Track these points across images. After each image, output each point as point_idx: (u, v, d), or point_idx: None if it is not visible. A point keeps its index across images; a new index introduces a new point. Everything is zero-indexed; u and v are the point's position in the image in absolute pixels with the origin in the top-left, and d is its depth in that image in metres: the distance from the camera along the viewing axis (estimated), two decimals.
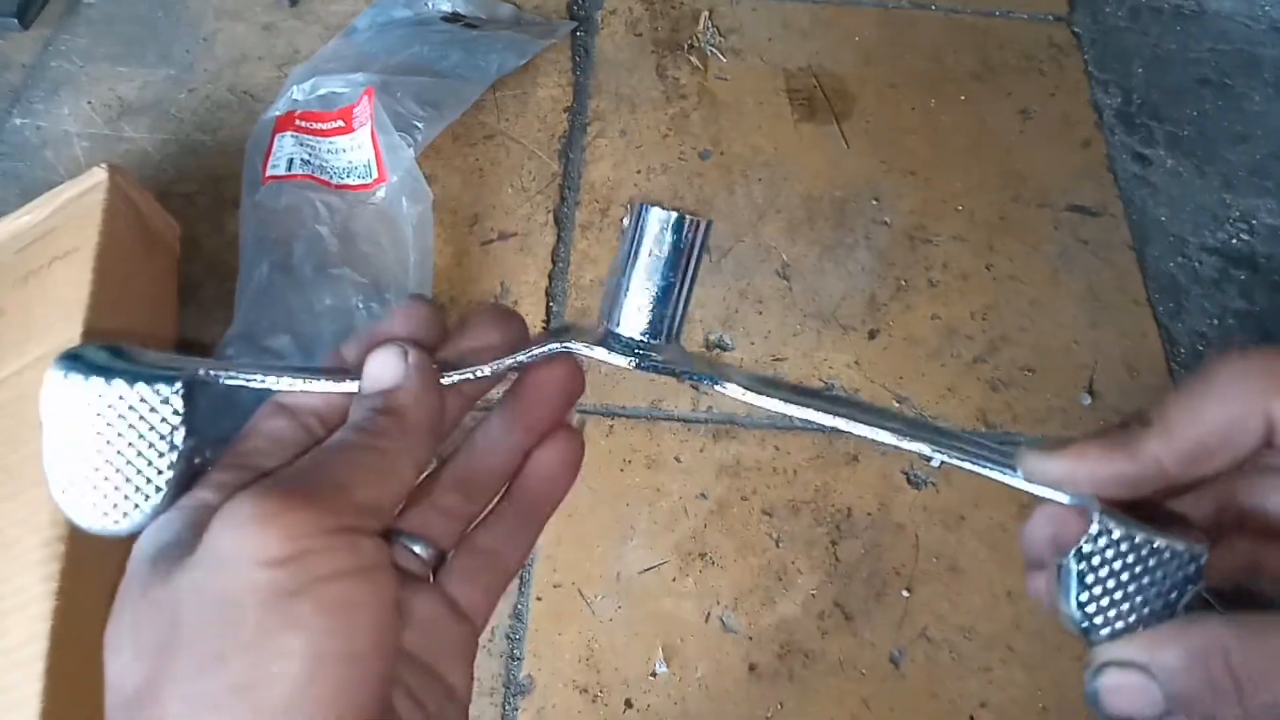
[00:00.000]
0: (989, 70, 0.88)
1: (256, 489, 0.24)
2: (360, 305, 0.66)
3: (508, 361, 0.29)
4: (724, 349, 0.72)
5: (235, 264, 0.69)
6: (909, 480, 0.66)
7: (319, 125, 0.72)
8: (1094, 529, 0.25)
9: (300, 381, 0.28)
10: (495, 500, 0.32)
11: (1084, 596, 0.25)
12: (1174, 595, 0.25)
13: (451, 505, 0.31)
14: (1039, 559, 0.28)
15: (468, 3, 0.86)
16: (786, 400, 0.28)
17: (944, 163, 0.82)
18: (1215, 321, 0.75)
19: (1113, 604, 0.25)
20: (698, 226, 0.28)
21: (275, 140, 0.72)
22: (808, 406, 0.28)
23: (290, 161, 0.72)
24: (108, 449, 0.25)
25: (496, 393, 0.33)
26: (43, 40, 0.86)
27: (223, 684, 0.22)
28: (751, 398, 0.28)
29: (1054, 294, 0.75)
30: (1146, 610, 0.25)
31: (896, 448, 0.27)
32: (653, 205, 0.28)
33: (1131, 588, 0.25)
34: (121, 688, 0.23)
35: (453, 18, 0.85)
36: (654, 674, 0.59)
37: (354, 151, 0.71)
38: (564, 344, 0.29)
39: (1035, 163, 0.82)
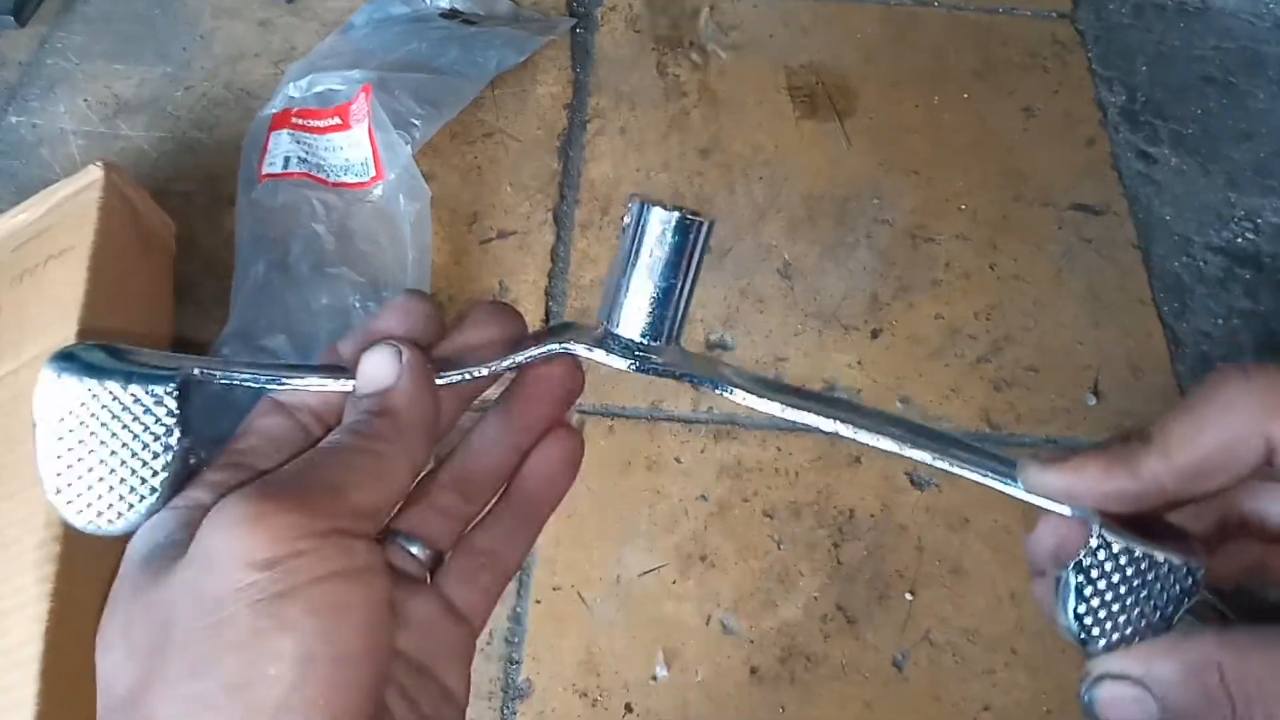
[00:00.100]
0: (991, 68, 0.88)
1: (247, 491, 0.24)
2: (357, 304, 0.65)
3: (505, 362, 0.29)
4: (725, 349, 0.71)
5: (231, 262, 0.68)
6: (912, 482, 0.65)
7: (316, 123, 0.72)
8: (1092, 543, 0.25)
9: (296, 381, 0.28)
10: (494, 500, 0.32)
11: (1081, 609, 0.25)
12: (1171, 609, 0.25)
13: (449, 505, 0.31)
14: (1041, 568, 0.28)
15: None
16: (787, 405, 0.28)
17: (946, 161, 0.81)
18: (1220, 321, 0.74)
19: (1110, 616, 0.25)
20: (700, 227, 0.28)
21: (271, 138, 0.72)
22: (809, 411, 0.28)
23: (287, 159, 0.71)
24: (102, 449, 0.25)
25: (495, 391, 0.33)
26: (39, 38, 0.86)
27: (213, 685, 0.22)
28: (753, 401, 0.28)
29: (1058, 293, 0.74)
30: (1144, 623, 0.25)
31: (898, 455, 0.27)
32: (654, 205, 0.28)
33: (1129, 601, 0.25)
34: (113, 689, 0.23)
35: (451, 14, 0.85)
36: (654, 677, 0.58)
37: (351, 149, 0.70)
38: (563, 345, 0.29)
39: (1038, 161, 0.82)
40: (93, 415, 0.25)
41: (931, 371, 0.70)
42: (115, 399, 0.25)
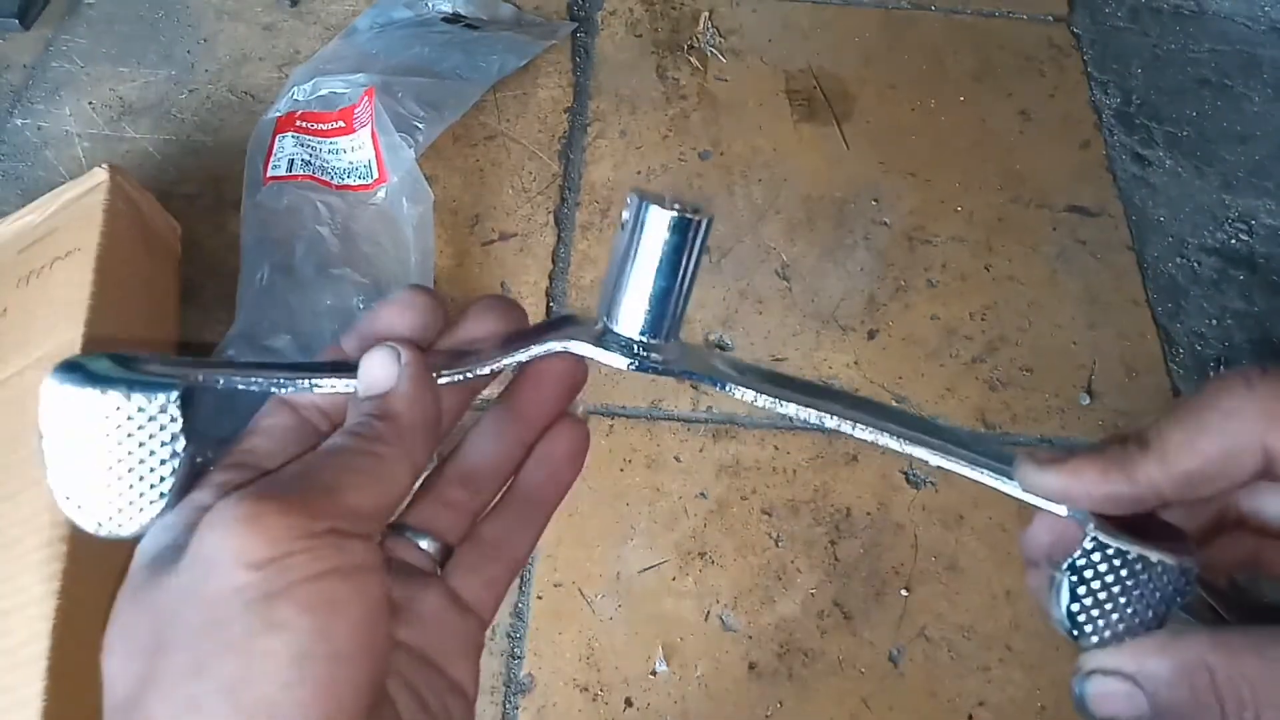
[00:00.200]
0: (988, 71, 0.88)
1: (243, 492, 0.24)
2: (361, 306, 0.66)
3: (506, 360, 0.29)
4: (723, 349, 0.72)
5: (236, 264, 0.69)
6: (908, 480, 0.66)
7: (320, 126, 0.72)
8: (1087, 544, 0.25)
9: (300, 383, 0.28)
10: (501, 493, 0.32)
11: (1075, 607, 0.25)
12: (1164, 608, 0.25)
13: (457, 499, 0.31)
14: (1036, 561, 0.28)
15: (468, 3, 0.86)
16: (787, 400, 0.28)
17: (943, 163, 0.82)
18: (1214, 322, 0.75)
19: (1103, 614, 0.25)
20: (698, 225, 0.28)
21: (276, 141, 0.72)
22: (809, 407, 0.28)
23: (291, 162, 0.72)
24: (108, 457, 0.25)
25: (495, 389, 0.33)
26: (44, 41, 0.87)
27: (208, 686, 0.22)
28: (751, 397, 0.28)
29: (1053, 294, 0.75)
30: (1136, 621, 0.25)
31: (898, 452, 0.27)
32: (653, 202, 0.27)
33: (1122, 600, 0.25)
34: (115, 690, 0.24)
35: (453, 18, 0.86)
36: (654, 673, 0.59)
37: (355, 152, 0.71)
38: (563, 344, 0.29)
39: (1034, 163, 0.82)
40: (97, 426, 0.25)
41: (928, 371, 0.71)
42: (118, 410, 0.25)
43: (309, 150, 0.72)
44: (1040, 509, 0.27)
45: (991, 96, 0.86)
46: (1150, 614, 0.25)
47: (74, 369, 0.25)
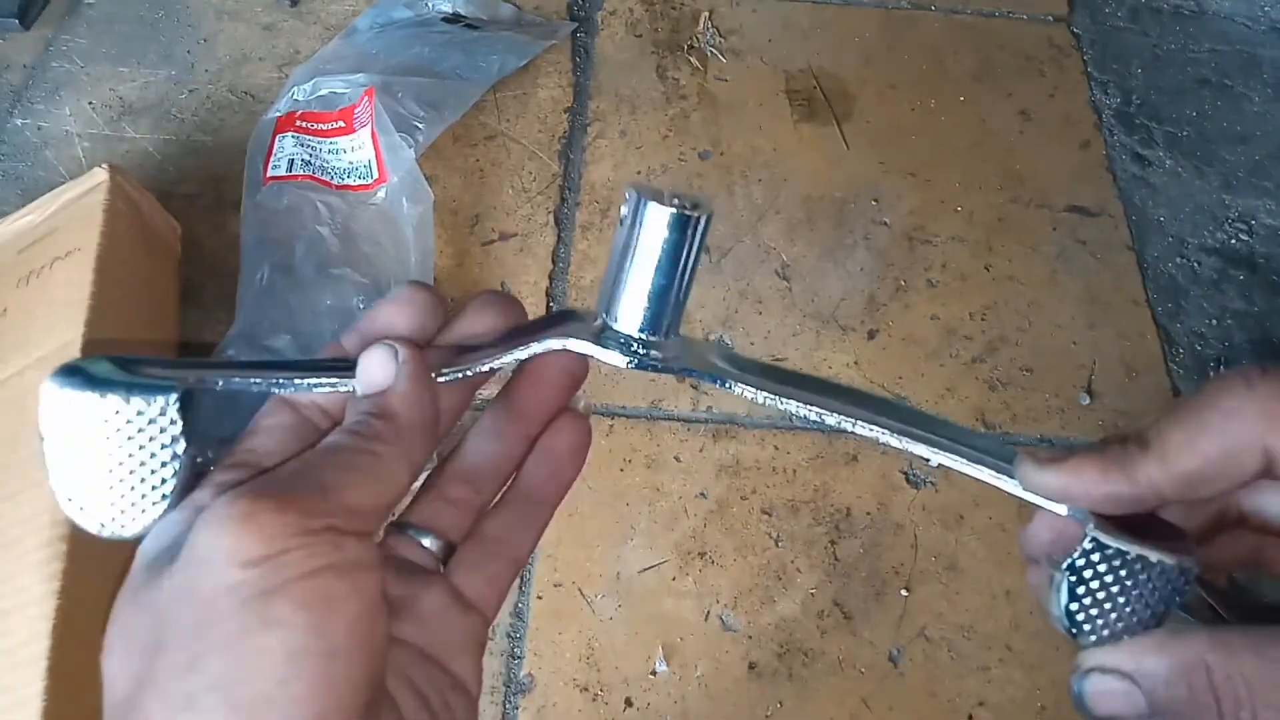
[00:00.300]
0: (988, 71, 0.88)
1: (237, 491, 0.24)
2: (361, 306, 0.66)
3: (505, 358, 0.29)
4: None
5: (236, 264, 0.69)
6: (908, 480, 0.66)
7: (320, 126, 0.72)
8: (1086, 544, 0.25)
9: (299, 383, 0.28)
10: (503, 490, 0.32)
11: (1074, 606, 0.25)
12: (1162, 607, 0.25)
13: (459, 496, 0.31)
14: (1036, 559, 0.28)
15: (468, 4, 0.86)
16: (788, 397, 0.28)
17: (943, 163, 0.82)
18: (1214, 322, 0.75)
19: (1101, 613, 0.25)
20: (697, 222, 0.27)
21: (276, 141, 0.72)
22: (809, 403, 0.28)
23: (291, 162, 0.72)
24: (109, 460, 0.25)
25: (493, 388, 0.33)
26: (44, 41, 0.87)
27: (203, 684, 0.22)
28: (751, 394, 0.28)
29: (1053, 294, 0.75)
30: (1135, 620, 0.25)
31: (896, 449, 0.27)
32: (651, 198, 0.27)
33: (1121, 599, 0.25)
34: (114, 691, 0.24)
35: (453, 19, 0.86)
36: (654, 673, 0.59)
37: (355, 152, 0.71)
38: (562, 342, 0.29)
39: (1034, 163, 0.82)
40: (97, 429, 0.25)
41: (928, 371, 0.71)
42: (117, 414, 0.25)
43: (309, 150, 0.72)
44: (1040, 508, 0.27)
45: (991, 96, 0.87)
46: (1149, 613, 0.25)
47: (74, 373, 0.25)
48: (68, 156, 0.79)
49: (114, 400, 0.25)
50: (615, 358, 0.28)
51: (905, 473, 0.66)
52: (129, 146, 0.80)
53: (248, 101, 0.83)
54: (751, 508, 0.65)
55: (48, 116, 0.82)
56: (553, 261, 0.75)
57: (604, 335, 0.28)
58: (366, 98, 0.71)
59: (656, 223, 0.27)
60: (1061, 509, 0.27)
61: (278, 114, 0.73)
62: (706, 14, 0.91)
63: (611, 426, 0.67)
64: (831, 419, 0.28)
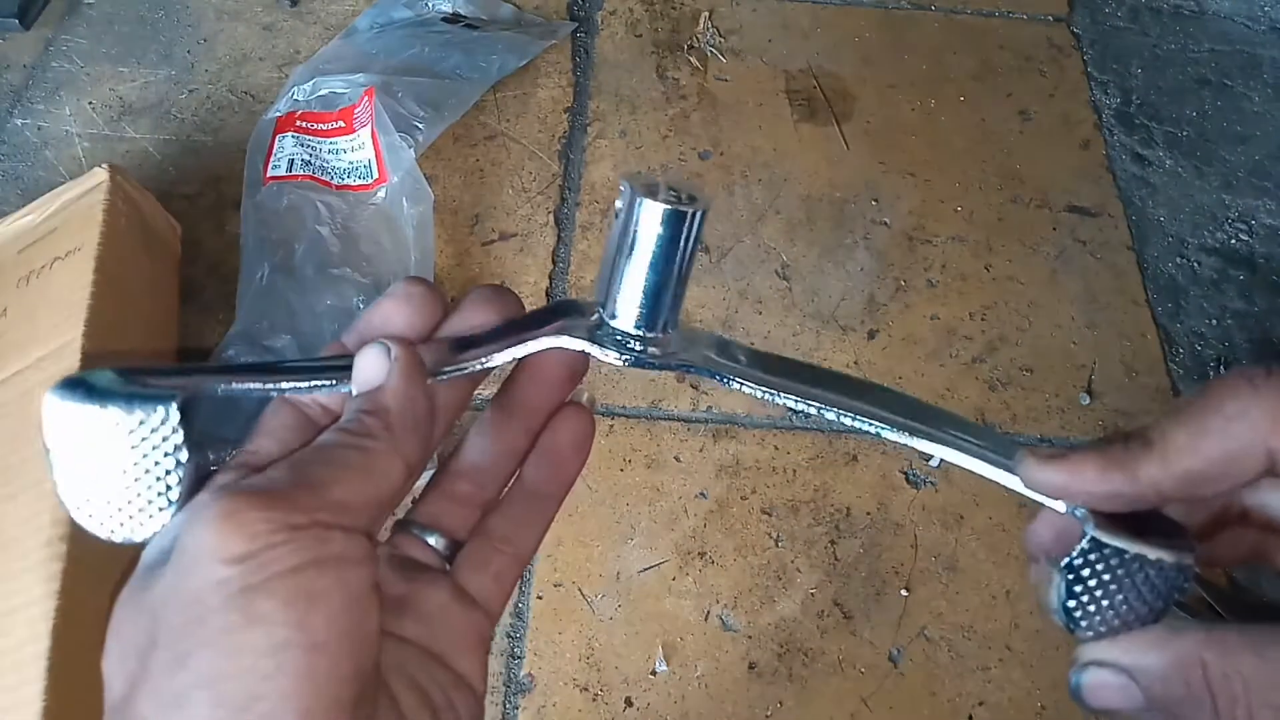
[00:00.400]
0: (988, 71, 0.88)
1: (221, 489, 0.24)
2: (361, 306, 0.66)
3: (504, 356, 0.29)
4: None
5: (236, 264, 0.69)
6: (908, 480, 0.66)
7: (320, 126, 0.72)
8: (1084, 544, 0.25)
9: (298, 385, 0.28)
10: (507, 486, 0.32)
11: (1071, 603, 0.26)
12: (1161, 604, 0.26)
13: (463, 494, 0.31)
14: (1038, 559, 0.28)
15: (468, 3, 0.86)
16: (786, 392, 0.28)
17: (943, 163, 0.82)
18: (1214, 322, 0.75)
19: (1099, 611, 0.26)
20: (692, 218, 0.27)
21: (276, 141, 0.72)
22: (808, 398, 0.28)
23: (291, 162, 0.72)
24: (114, 469, 0.26)
25: (491, 388, 0.33)
26: (44, 41, 0.87)
27: (190, 681, 0.22)
28: (749, 390, 0.28)
29: (1053, 294, 0.75)
30: (1133, 617, 0.26)
31: (896, 442, 0.27)
32: (645, 194, 0.27)
33: (1119, 597, 0.25)
34: (112, 691, 0.24)
35: (453, 18, 0.86)
36: (654, 672, 0.59)
37: (355, 152, 0.71)
38: (557, 341, 0.29)
39: (1034, 163, 0.82)
40: (101, 441, 0.26)
41: (927, 371, 0.71)
42: (119, 424, 0.26)
43: (309, 150, 0.72)
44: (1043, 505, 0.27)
45: (991, 96, 0.87)
46: (1147, 610, 0.26)
47: (75, 385, 0.26)
48: (68, 156, 0.79)
49: (115, 412, 0.26)
50: (611, 356, 0.28)
51: (905, 473, 0.66)
52: (129, 146, 0.80)
53: (248, 101, 0.83)
54: (751, 507, 0.65)
55: (48, 116, 0.82)
56: (553, 261, 0.75)
57: (600, 333, 0.28)
58: (366, 98, 0.71)
59: (650, 219, 0.27)
60: (1061, 506, 0.27)
61: (278, 114, 0.73)
62: (706, 14, 0.91)
63: (611, 426, 0.67)
64: (831, 413, 0.28)
